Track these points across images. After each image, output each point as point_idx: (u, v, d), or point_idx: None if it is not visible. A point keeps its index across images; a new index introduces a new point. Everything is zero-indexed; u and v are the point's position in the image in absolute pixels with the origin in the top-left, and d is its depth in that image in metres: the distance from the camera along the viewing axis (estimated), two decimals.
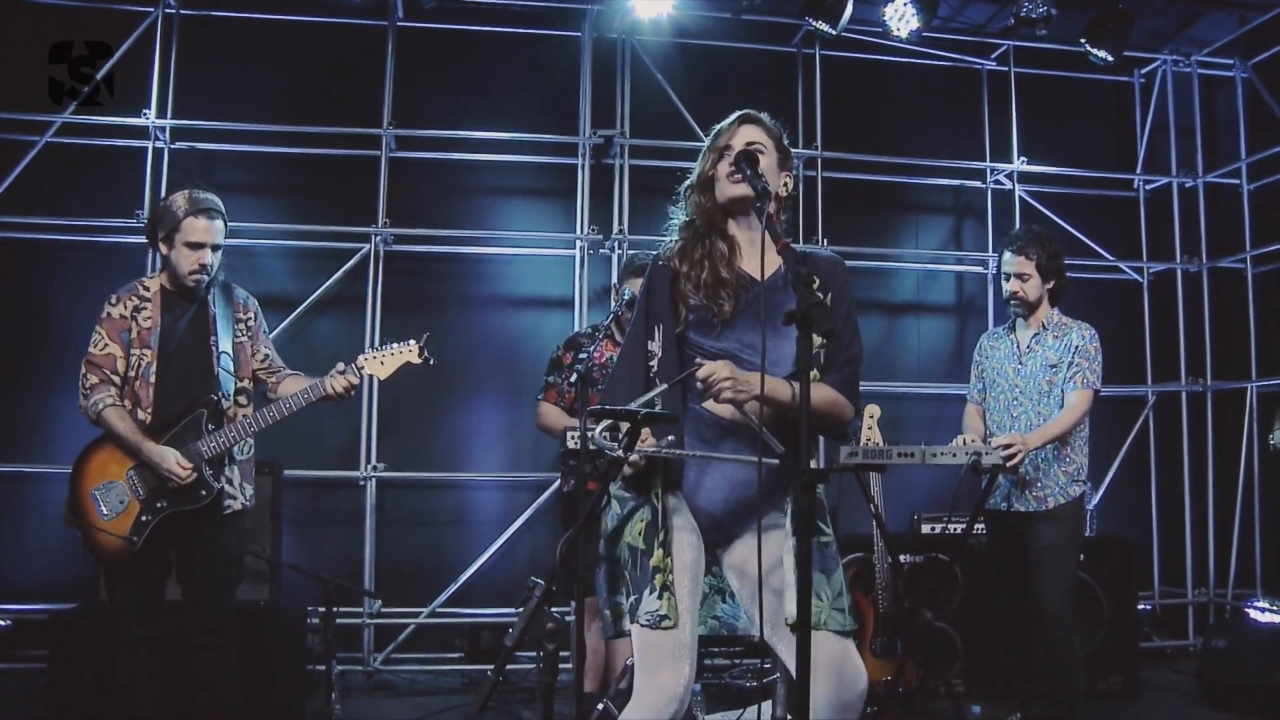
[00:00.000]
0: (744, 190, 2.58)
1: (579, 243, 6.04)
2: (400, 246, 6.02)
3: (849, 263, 6.18)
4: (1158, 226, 6.86)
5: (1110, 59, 6.15)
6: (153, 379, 3.69)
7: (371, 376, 3.81)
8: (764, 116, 2.74)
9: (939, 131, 6.68)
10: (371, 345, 3.94)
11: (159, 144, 5.79)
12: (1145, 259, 6.76)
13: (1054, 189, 6.69)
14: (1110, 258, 6.64)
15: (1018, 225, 6.39)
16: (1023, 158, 6.50)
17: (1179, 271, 6.70)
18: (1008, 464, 3.97)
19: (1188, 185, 6.76)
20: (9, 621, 5.40)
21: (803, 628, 2.07)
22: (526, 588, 2.29)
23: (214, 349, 3.80)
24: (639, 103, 6.17)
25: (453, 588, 5.82)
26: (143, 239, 5.55)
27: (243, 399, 3.88)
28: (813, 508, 1.98)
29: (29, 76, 5.55)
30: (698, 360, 2.46)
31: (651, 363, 2.65)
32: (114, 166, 5.83)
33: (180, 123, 5.79)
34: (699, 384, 2.39)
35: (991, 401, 4.45)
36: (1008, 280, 4.36)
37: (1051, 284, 4.36)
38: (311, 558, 5.64)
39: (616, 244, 6.04)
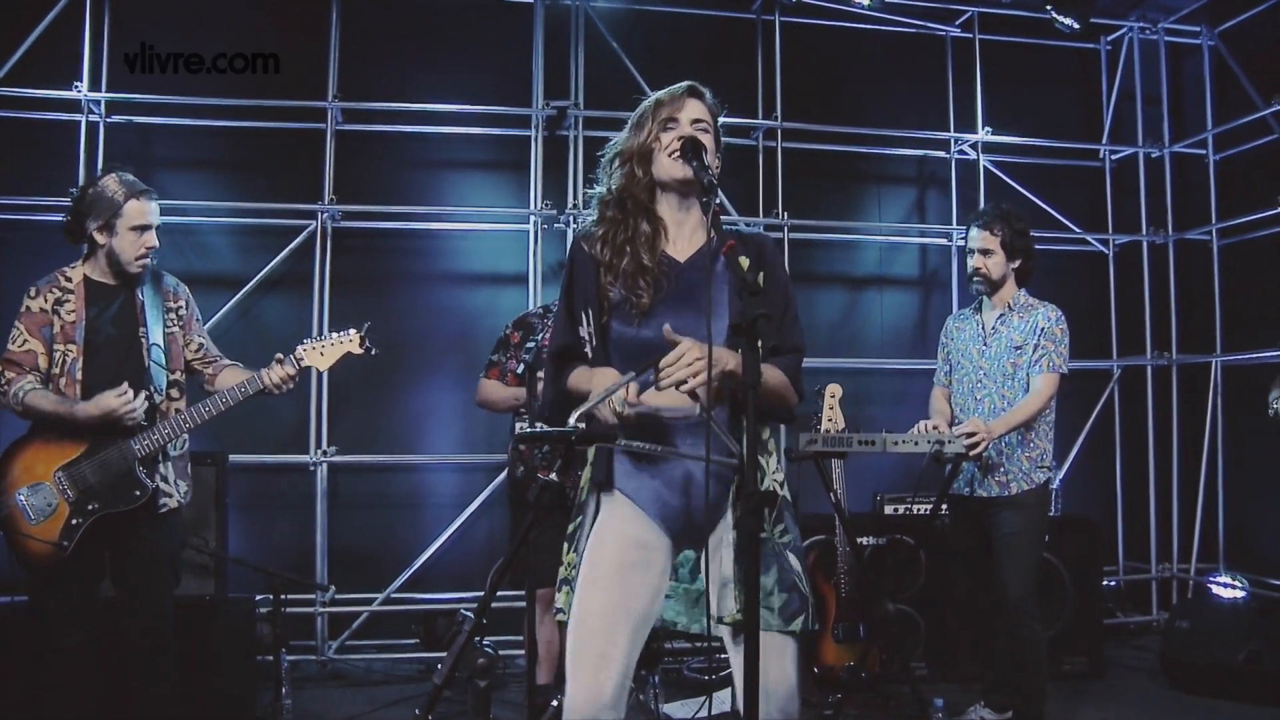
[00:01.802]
0: (689, 173, 2.44)
1: (533, 218, 5.86)
2: (349, 223, 5.81)
3: (809, 235, 6.30)
4: (1123, 198, 6.76)
5: (1076, 26, 6.02)
6: (79, 375, 3.53)
7: (311, 367, 3.65)
8: (708, 93, 2.60)
9: (902, 101, 6.53)
10: (310, 336, 3.77)
11: (93, 118, 5.53)
12: (1111, 231, 6.67)
13: (1019, 159, 6.57)
14: (1076, 229, 6.54)
15: (982, 196, 6.30)
16: (987, 128, 6.37)
17: (1145, 243, 6.61)
18: (970, 453, 3.87)
19: (1154, 155, 6.66)
20: None
21: (750, 658, 1.94)
22: (456, 620, 2.14)
23: (144, 341, 3.63)
24: (594, 72, 5.97)
25: (408, 573, 5.68)
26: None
27: (175, 392, 3.72)
28: (758, 532, 1.83)
29: None
30: (655, 364, 2.29)
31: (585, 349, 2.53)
32: (48, 142, 5.55)
33: (114, 95, 5.52)
34: (656, 371, 2.23)
35: (956, 384, 4.36)
36: (971, 256, 4.25)
37: (1017, 263, 4.24)
38: (261, 546, 5.50)
39: (571, 219, 5.85)
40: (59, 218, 5.39)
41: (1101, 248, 6.65)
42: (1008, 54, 6.59)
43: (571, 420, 2.10)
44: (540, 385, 3.69)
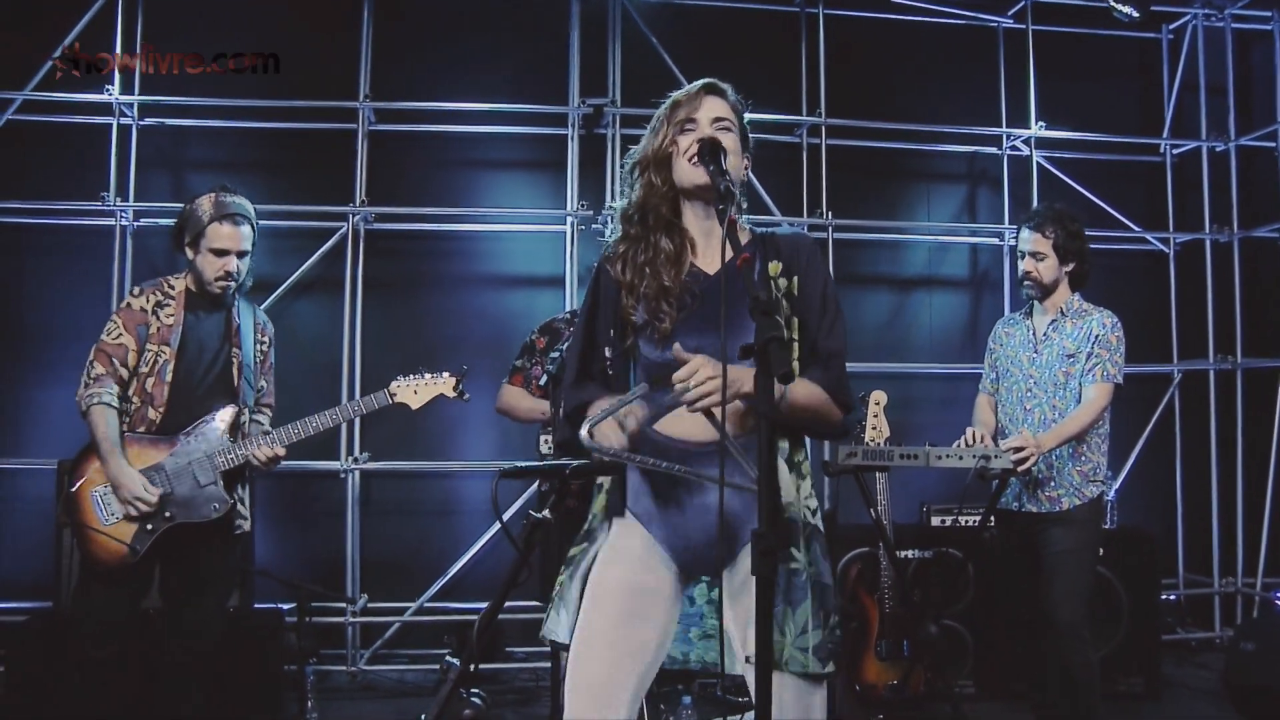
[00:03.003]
0: (708, 179, 2.25)
1: (569, 219, 5.72)
2: (381, 225, 5.72)
3: (855, 235, 6.09)
4: (1186, 194, 6.46)
5: (1136, 15, 5.73)
6: (169, 377, 3.55)
7: (404, 405, 3.68)
8: (728, 89, 2.41)
9: (951, 95, 6.28)
10: (406, 373, 3.78)
11: (125, 120, 5.49)
12: (1172, 229, 6.37)
13: (1074, 155, 6.30)
14: (1135, 227, 6.25)
15: (1035, 194, 6.05)
16: (1041, 122, 6.11)
17: (1208, 242, 6.30)
18: (1018, 468, 3.66)
19: (1219, 149, 6.35)
20: None
21: (761, 703, 1.77)
22: (442, 668, 2.01)
23: (237, 359, 3.67)
24: (632, 69, 5.81)
25: (441, 582, 5.58)
26: (112, 221, 5.39)
27: (261, 417, 3.78)
28: (772, 578, 1.67)
29: None
30: (678, 353, 2.13)
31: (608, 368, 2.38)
32: (82, 146, 5.53)
33: (145, 98, 5.49)
34: (677, 386, 2.06)
35: (1004, 393, 4.13)
36: (1022, 259, 4.03)
37: (1071, 266, 4.01)
38: (292, 554, 5.43)
39: (609, 219, 5.68)
40: (91, 222, 5.48)
41: (1162, 247, 6.36)
42: (1062, 45, 6.32)
43: (583, 432, 1.95)
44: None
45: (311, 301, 5.74)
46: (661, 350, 2.29)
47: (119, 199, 5.40)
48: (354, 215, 5.54)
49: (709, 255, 2.37)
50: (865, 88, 6.16)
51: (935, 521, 5.19)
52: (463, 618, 5.55)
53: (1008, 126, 6.19)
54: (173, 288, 3.66)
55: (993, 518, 4.10)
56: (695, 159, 2.27)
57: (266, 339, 3.83)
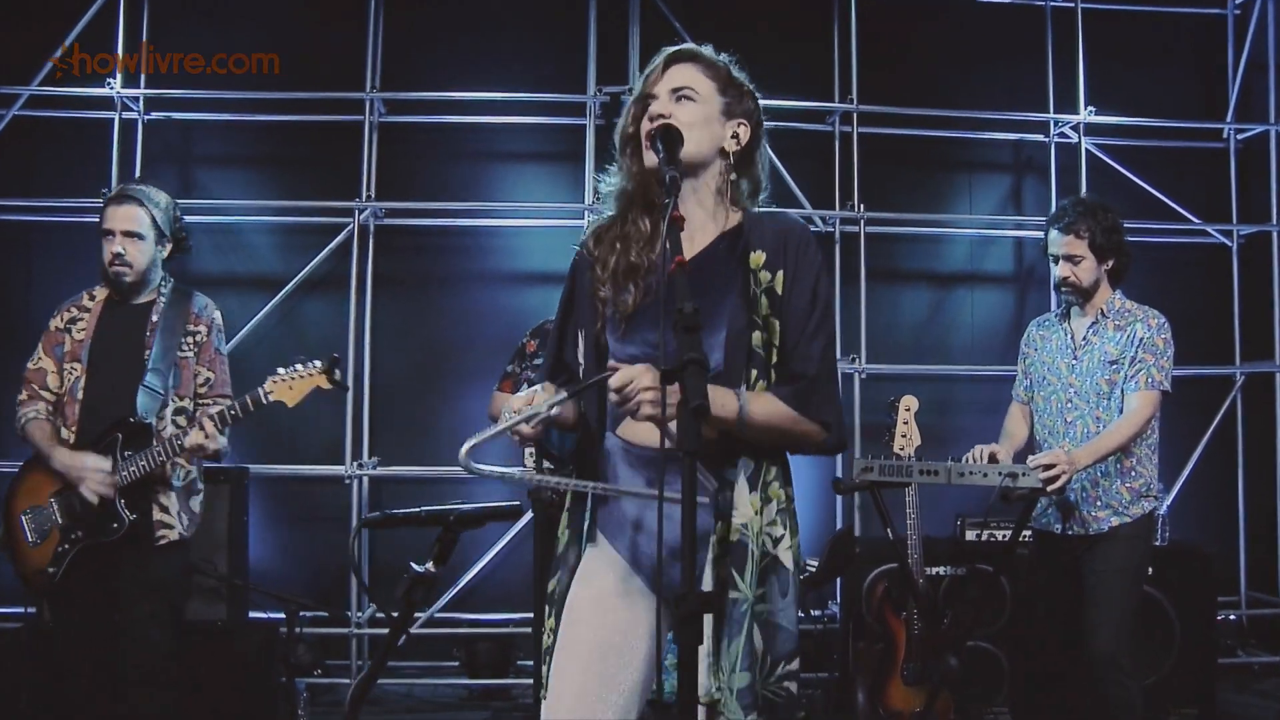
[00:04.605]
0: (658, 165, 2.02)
1: (587, 213, 5.46)
2: (392, 220, 5.53)
3: (890, 229, 5.75)
4: (1250, 182, 6.01)
5: None
6: (79, 395, 3.43)
7: (281, 403, 3.36)
8: (703, 51, 2.16)
9: (994, 79, 5.90)
10: (280, 367, 3.44)
11: (129, 115, 5.36)
12: (1235, 220, 5.93)
13: (1127, 141, 5.89)
14: (1194, 219, 5.83)
15: (1084, 183, 5.66)
16: (1091, 107, 5.70)
17: (1275, 234, 5.86)
18: (1048, 488, 3.32)
19: None
20: None
21: None
22: None
23: (146, 364, 3.44)
24: (652, 55, 5.52)
25: (451, 592, 5.37)
26: None
27: (182, 419, 3.50)
28: (695, 646, 1.39)
29: None
30: (610, 364, 1.89)
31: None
32: (84, 143, 5.42)
33: (147, 91, 5.36)
34: (612, 395, 1.85)
35: (1042, 403, 3.78)
36: (1056, 263, 3.67)
37: (1110, 263, 3.65)
38: (294, 563, 5.27)
39: None
40: (94, 219, 5.34)
41: (1224, 239, 5.92)
42: (1115, 24, 5.90)
43: (461, 453, 1.70)
44: None
45: (321, 299, 5.57)
46: (622, 341, 2.09)
47: None
48: (361, 211, 5.34)
49: (690, 240, 2.12)
50: (901, 72, 5.82)
51: (970, 535, 4.84)
52: (475, 630, 5.34)
53: (1055, 112, 5.81)
54: (93, 298, 3.55)
55: (1025, 535, 3.77)
56: (648, 145, 2.05)
57: (203, 326, 3.55)
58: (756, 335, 2.04)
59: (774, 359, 2.06)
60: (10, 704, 4.05)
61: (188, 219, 5.33)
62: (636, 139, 2.14)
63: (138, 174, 5.38)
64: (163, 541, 3.41)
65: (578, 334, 2.20)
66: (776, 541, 2.04)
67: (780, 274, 2.08)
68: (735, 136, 2.14)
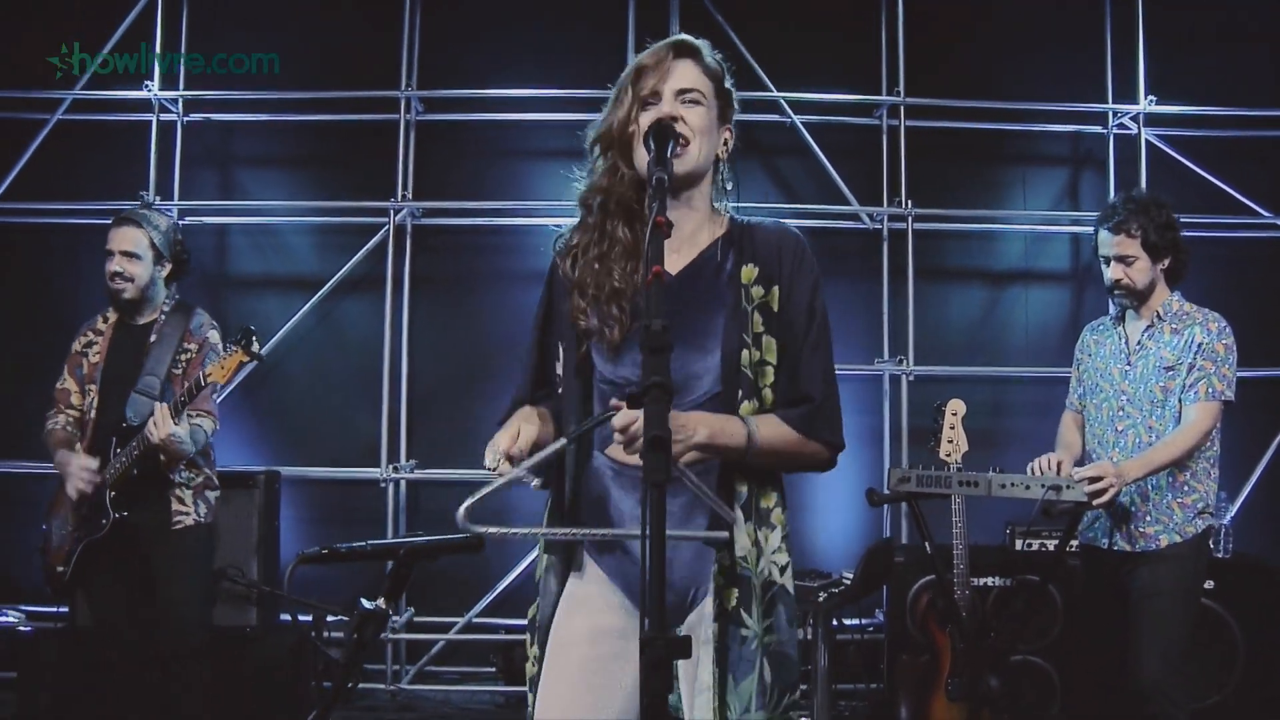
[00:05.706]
0: (679, 166, 1.92)
1: None
2: (430, 220, 5.48)
3: (940, 226, 5.56)
4: None
5: None
6: (93, 415, 3.63)
7: (215, 383, 3.45)
8: (704, 47, 2.04)
9: (1049, 69, 5.66)
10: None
11: (167, 117, 5.37)
12: None
13: (1189, 132, 5.62)
14: (1264, 212, 5.54)
15: (1144, 176, 5.43)
16: (1151, 97, 5.46)
17: None
18: (1094, 502, 3.14)
19: None
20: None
21: None
22: None
23: (141, 378, 3.59)
24: None
25: (490, 596, 5.30)
26: None
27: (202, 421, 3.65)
28: (664, 692, 1.30)
29: (35, 54, 5.27)
30: (613, 403, 1.79)
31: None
32: (122, 146, 5.44)
33: (184, 94, 5.36)
34: (616, 434, 1.75)
35: (1092, 411, 3.60)
36: (1107, 265, 3.48)
37: (1166, 262, 3.46)
38: (328, 567, 5.21)
39: None
40: None
41: None
42: (1176, 9, 5.63)
43: (459, 514, 1.61)
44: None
45: (360, 300, 5.53)
46: (613, 364, 1.98)
47: (159, 197, 5.26)
48: (396, 210, 5.29)
49: (674, 252, 2.01)
50: (950, 62, 5.61)
51: (1020, 544, 4.66)
52: (512, 636, 5.28)
53: (1114, 102, 5.58)
54: (105, 321, 3.72)
55: (1071, 547, 3.60)
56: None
57: (194, 344, 3.66)
58: (745, 354, 1.94)
59: (764, 378, 1.96)
60: (39, 701, 4.15)
61: (226, 220, 5.41)
62: (630, 137, 2.01)
63: (177, 175, 5.40)
64: (179, 525, 3.56)
65: (557, 345, 2.10)
66: (782, 570, 1.95)
67: (775, 290, 1.99)
68: (726, 142, 2.06)
